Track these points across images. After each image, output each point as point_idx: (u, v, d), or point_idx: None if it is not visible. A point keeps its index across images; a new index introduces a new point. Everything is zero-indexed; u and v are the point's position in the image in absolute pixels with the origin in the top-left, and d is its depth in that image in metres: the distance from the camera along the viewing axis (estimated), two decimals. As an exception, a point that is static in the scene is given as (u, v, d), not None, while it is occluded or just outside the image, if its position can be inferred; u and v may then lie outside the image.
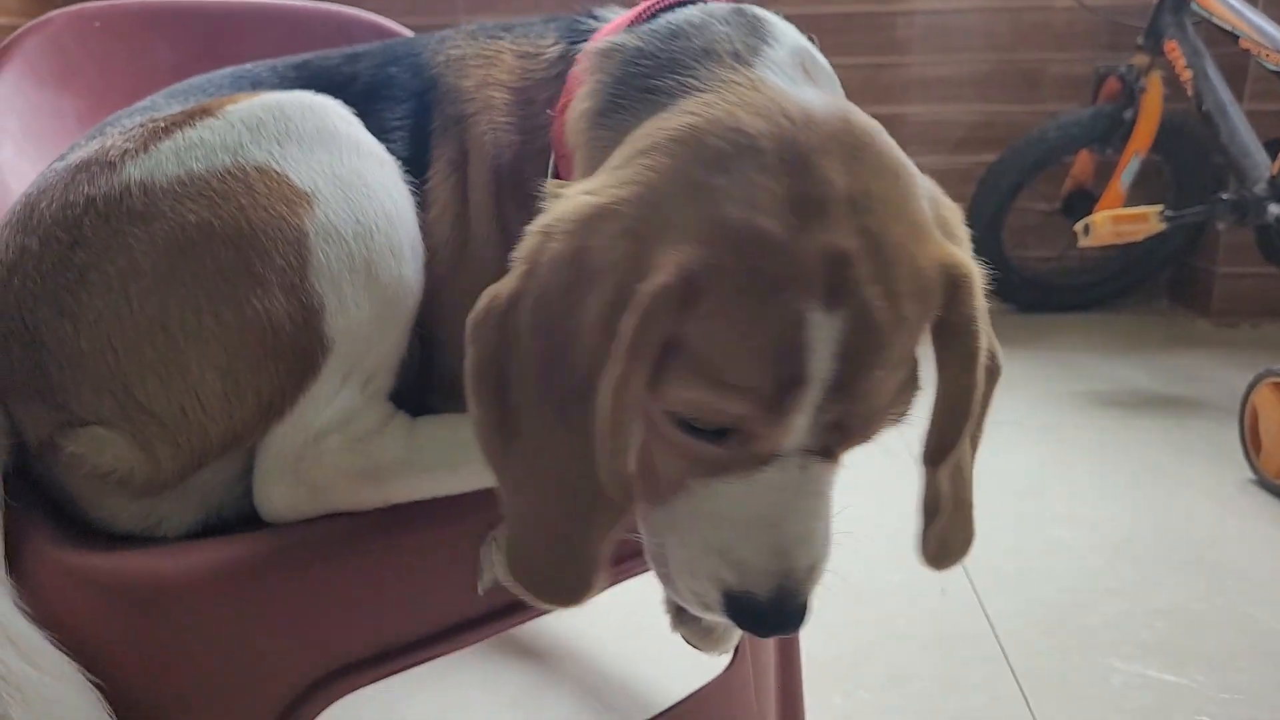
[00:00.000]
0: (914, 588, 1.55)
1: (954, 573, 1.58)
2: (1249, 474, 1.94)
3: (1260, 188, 2.26)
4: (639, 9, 0.80)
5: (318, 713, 0.72)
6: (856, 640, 1.40)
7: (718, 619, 0.67)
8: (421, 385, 0.84)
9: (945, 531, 0.71)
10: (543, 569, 0.64)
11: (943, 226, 0.65)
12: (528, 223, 0.67)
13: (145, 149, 0.72)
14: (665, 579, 0.68)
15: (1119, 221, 2.43)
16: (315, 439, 0.72)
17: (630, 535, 0.68)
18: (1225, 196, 2.33)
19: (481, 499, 0.78)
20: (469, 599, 0.79)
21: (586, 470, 0.59)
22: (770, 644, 1.07)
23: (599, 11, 0.85)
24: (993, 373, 0.68)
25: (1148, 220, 2.43)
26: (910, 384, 0.65)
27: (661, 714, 0.96)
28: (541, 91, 0.81)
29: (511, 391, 0.62)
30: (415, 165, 0.82)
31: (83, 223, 0.70)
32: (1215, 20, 2.47)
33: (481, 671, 1.36)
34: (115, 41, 1.10)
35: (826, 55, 0.79)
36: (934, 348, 0.64)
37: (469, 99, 0.83)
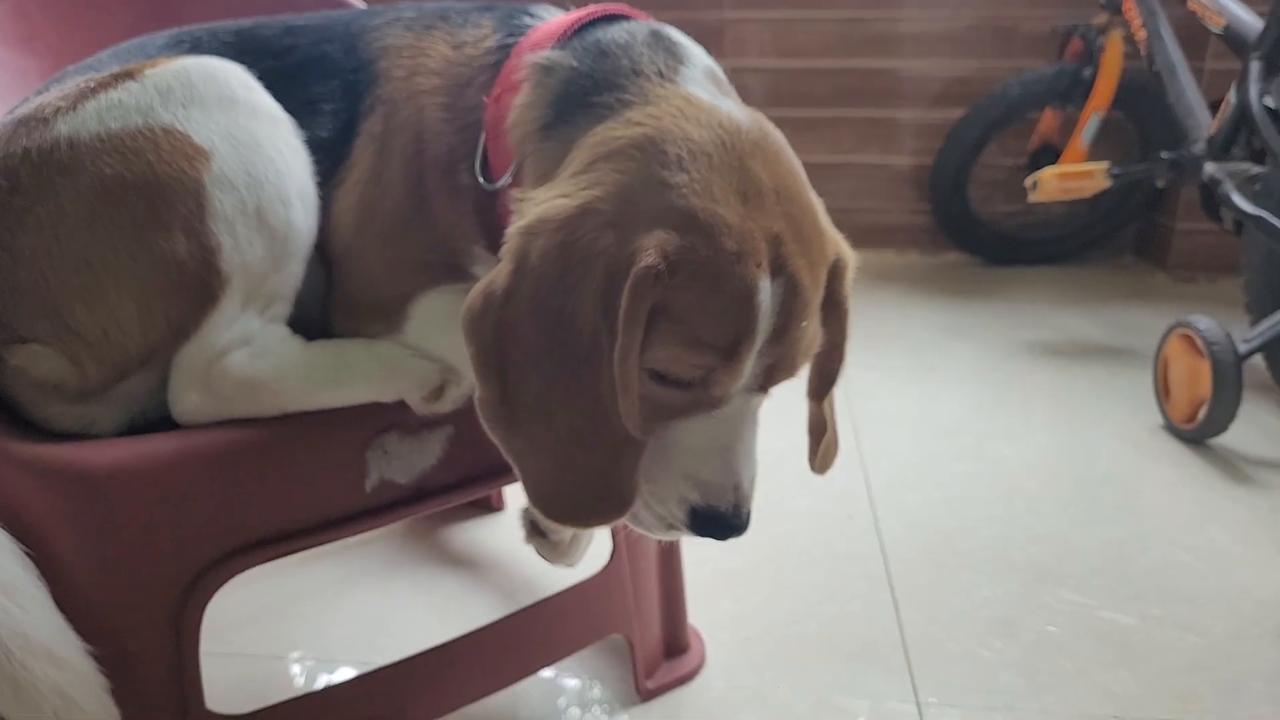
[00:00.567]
0: (821, 512, 1.69)
1: (860, 501, 1.73)
2: (1160, 420, 2.07)
3: (1198, 147, 2.35)
4: (570, 19, 0.90)
5: (221, 583, 0.88)
6: (756, 555, 1.55)
7: (669, 536, 0.83)
8: (326, 311, 0.98)
9: (825, 446, 0.93)
10: (582, 503, 0.77)
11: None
12: (448, 192, 0.86)
13: (74, 108, 0.86)
14: (631, 515, 0.81)
15: (1065, 179, 2.53)
16: (218, 355, 0.87)
17: None
18: (1164, 155, 2.43)
19: (367, 411, 0.93)
20: (356, 495, 0.94)
21: (602, 420, 0.73)
22: (651, 549, 1.22)
23: (534, 9, 0.96)
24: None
25: (1093, 177, 2.53)
26: (818, 333, 0.82)
27: (549, 598, 1.12)
28: (476, 77, 0.92)
29: (511, 372, 0.75)
30: (342, 135, 0.94)
31: (20, 172, 0.84)
32: (1166, -19, 2.55)
33: (416, 575, 1.53)
34: (75, 6, 1.24)
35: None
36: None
37: (398, 85, 0.94)
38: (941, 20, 3.32)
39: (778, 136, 0.80)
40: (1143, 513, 1.70)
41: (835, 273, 0.82)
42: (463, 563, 1.57)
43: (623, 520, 0.79)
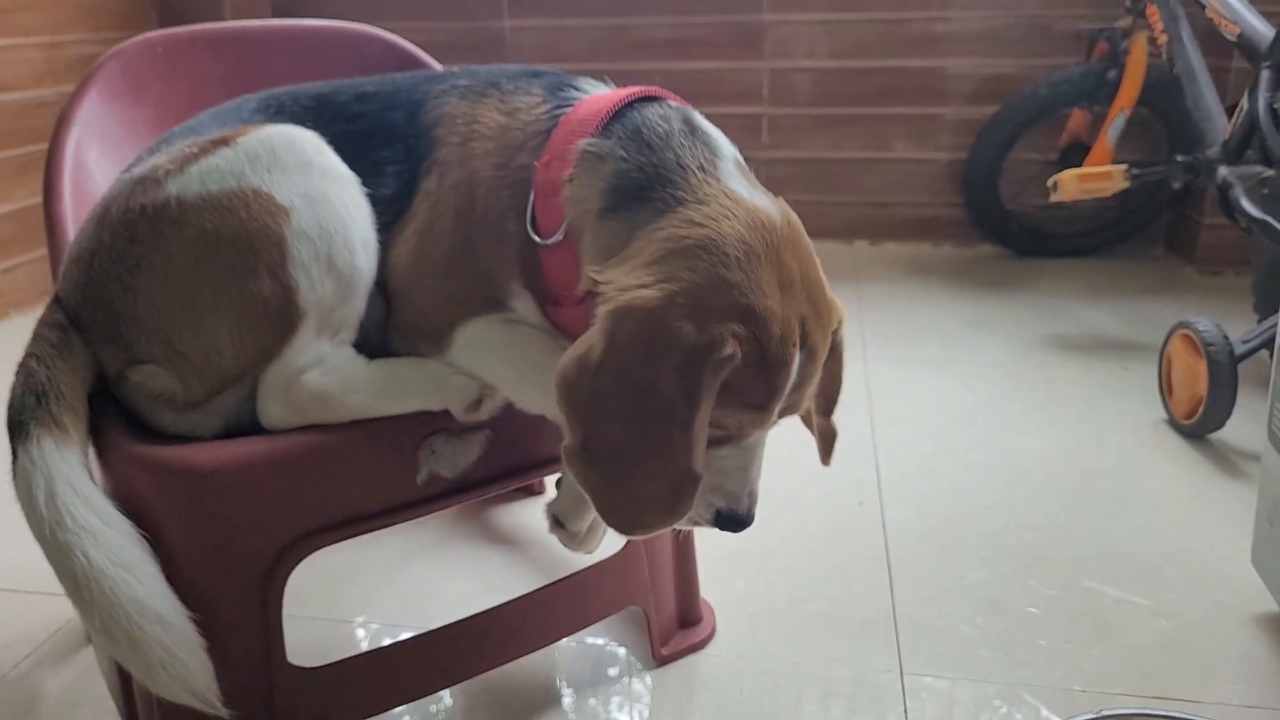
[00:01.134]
0: (833, 500, 1.85)
1: (870, 490, 1.88)
2: (1164, 415, 2.19)
3: (1213, 151, 2.43)
4: (612, 101, 1.04)
5: (299, 560, 1.06)
6: (768, 540, 1.71)
7: (687, 528, 1.05)
8: (385, 336, 1.16)
9: (828, 448, 1.18)
10: (645, 519, 0.95)
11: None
12: (495, 238, 1.05)
13: (181, 170, 1.04)
14: None
15: (1084, 180, 2.63)
16: (297, 374, 1.05)
17: None
18: (1179, 159, 2.52)
19: (418, 418, 1.10)
20: (409, 487, 1.12)
21: (669, 463, 0.92)
22: (666, 536, 1.39)
23: (579, 82, 1.11)
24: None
25: (1112, 178, 2.62)
26: (819, 376, 1.05)
27: (577, 573, 1.31)
28: (528, 141, 1.06)
29: (590, 425, 0.93)
30: (403, 191, 1.11)
31: (138, 225, 1.03)
32: (1184, -13, 2.63)
33: (463, 551, 1.72)
34: (175, 62, 1.43)
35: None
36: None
37: (452, 149, 1.10)
38: (977, 20, 3.41)
39: (797, 224, 1.00)
40: (1138, 503, 1.83)
41: (837, 324, 1.04)
42: (504, 540, 1.76)
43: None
